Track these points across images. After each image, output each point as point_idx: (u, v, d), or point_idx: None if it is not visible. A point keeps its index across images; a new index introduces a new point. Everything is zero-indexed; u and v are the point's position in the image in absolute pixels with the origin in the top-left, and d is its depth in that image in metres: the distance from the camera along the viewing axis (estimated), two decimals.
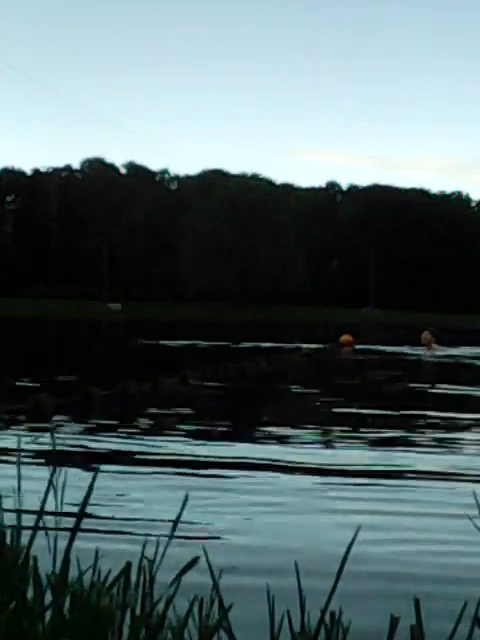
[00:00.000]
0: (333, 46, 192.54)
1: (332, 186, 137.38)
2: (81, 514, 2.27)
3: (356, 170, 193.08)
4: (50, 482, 2.35)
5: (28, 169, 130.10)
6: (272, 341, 32.71)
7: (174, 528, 2.32)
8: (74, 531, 2.25)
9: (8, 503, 2.72)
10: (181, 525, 2.40)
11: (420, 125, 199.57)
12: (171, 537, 2.31)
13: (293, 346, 28.07)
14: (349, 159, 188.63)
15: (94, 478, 2.34)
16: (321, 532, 4.97)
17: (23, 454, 7.07)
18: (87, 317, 74.81)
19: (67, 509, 2.34)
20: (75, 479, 5.27)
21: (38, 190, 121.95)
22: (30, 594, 2.27)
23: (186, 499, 2.45)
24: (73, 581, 2.27)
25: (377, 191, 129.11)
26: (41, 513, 2.31)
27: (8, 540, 2.47)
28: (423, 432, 9.44)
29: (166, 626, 2.23)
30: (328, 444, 8.43)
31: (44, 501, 2.32)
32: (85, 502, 2.28)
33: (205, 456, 7.57)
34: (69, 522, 2.28)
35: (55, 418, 9.47)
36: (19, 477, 2.59)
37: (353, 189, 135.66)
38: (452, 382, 16.21)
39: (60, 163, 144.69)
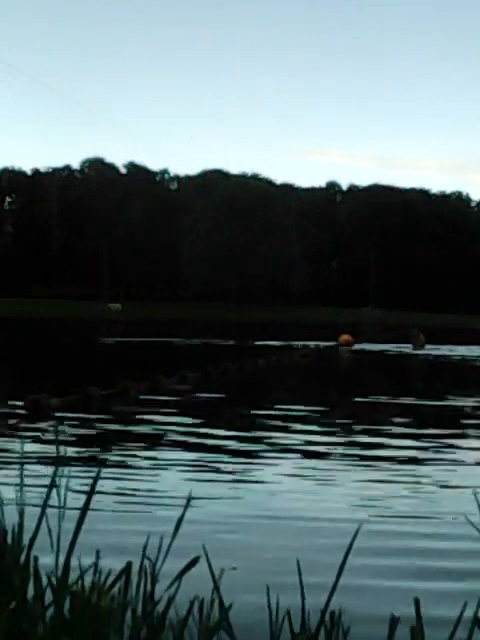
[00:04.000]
0: (334, 46, 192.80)
1: (332, 186, 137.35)
2: (83, 513, 2.27)
3: (356, 170, 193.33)
4: (52, 481, 2.35)
5: (28, 169, 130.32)
6: (272, 341, 32.73)
7: (177, 528, 2.32)
8: (76, 531, 2.25)
9: (10, 502, 2.72)
10: (182, 524, 2.40)
11: (420, 125, 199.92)
12: (174, 537, 2.30)
13: (292, 346, 28.09)
14: (349, 159, 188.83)
15: (96, 478, 2.34)
16: (321, 530, 4.97)
17: (25, 453, 7.07)
18: (87, 317, 74.79)
19: (69, 508, 2.33)
20: (77, 478, 5.29)
21: (38, 190, 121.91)
22: (30, 594, 2.28)
23: (189, 500, 2.44)
24: (73, 581, 2.27)
25: (377, 191, 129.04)
26: (43, 513, 2.30)
27: (10, 540, 2.47)
28: (421, 433, 9.44)
29: (167, 626, 2.23)
30: (327, 443, 8.43)
31: (46, 500, 2.32)
32: (87, 501, 2.28)
33: (205, 455, 7.57)
34: (71, 521, 2.28)
35: (55, 418, 9.47)
36: (22, 476, 2.59)
37: (353, 189, 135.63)
38: (444, 382, 16.25)
39: (60, 163, 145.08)
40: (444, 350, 29.45)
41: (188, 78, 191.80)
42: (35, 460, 6.63)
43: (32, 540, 2.33)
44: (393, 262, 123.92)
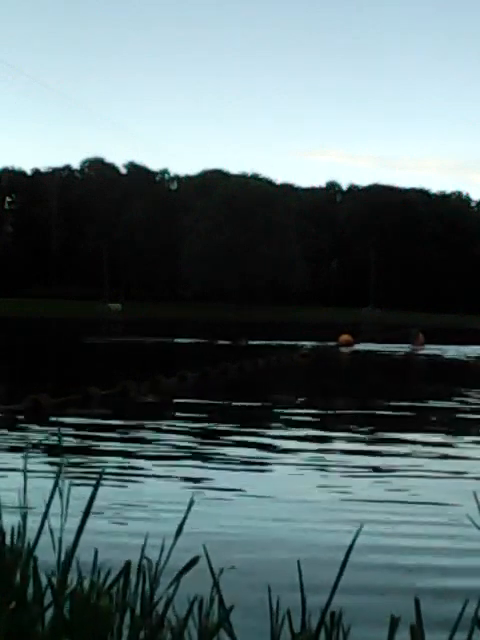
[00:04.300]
0: (334, 46, 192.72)
1: (332, 186, 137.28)
2: (86, 515, 2.26)
3: (356, 170, 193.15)
4: (55, 483, 2.34)
5: (28, 169, 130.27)
6: (272, 340, 32.74)
7: (179, 530, 2.31)
8: (79, 531, 2.24)
9: (13, 503, 2.72)
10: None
11: (420, 125, 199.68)
12: (176, 538, 2.30)
13: (292, 346, 28.08)
14: (349, 159, 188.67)
15: (98, 482, 2.33)
16: (322, 531, 4.96)
17: (26, 454, 7.06)
18: (87, 317, 74.78)
19: (71, 509, 2.32)
20: (77, 479, 5.28)
21: (38, 190, 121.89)
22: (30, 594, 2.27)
23: (191, 503, 2.44)
24: (73, 581, 2.27)
25: (377, 191, 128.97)
26: (46, 513, 2.30)
27: (12, 540, 2.46)
28: (422, 434, 9.45)
29: (166, 626, 2.23)
30: (326, 444, 8.43)
31: (49, 501, 2.31)
32: (90, 503, 2.27)
33: (205, 455, 7.57)
34: (73, 521, 2.27)
35: (55, 418, 9.47)
36: (25, 477, 2.58)
37: (353, 189, 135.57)
38: (444, 383, 16.25)
39: (60, 163, 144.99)
40: (446, 350, 29.42)
41: (188, 78, 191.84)
42: (36, 461, 6.63)
43: (35, 540, 2.33)
44: (393, 262, 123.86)
